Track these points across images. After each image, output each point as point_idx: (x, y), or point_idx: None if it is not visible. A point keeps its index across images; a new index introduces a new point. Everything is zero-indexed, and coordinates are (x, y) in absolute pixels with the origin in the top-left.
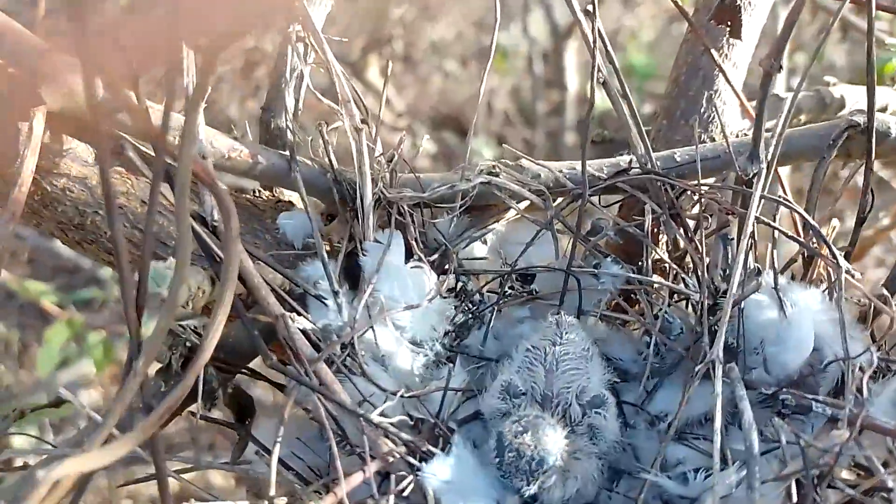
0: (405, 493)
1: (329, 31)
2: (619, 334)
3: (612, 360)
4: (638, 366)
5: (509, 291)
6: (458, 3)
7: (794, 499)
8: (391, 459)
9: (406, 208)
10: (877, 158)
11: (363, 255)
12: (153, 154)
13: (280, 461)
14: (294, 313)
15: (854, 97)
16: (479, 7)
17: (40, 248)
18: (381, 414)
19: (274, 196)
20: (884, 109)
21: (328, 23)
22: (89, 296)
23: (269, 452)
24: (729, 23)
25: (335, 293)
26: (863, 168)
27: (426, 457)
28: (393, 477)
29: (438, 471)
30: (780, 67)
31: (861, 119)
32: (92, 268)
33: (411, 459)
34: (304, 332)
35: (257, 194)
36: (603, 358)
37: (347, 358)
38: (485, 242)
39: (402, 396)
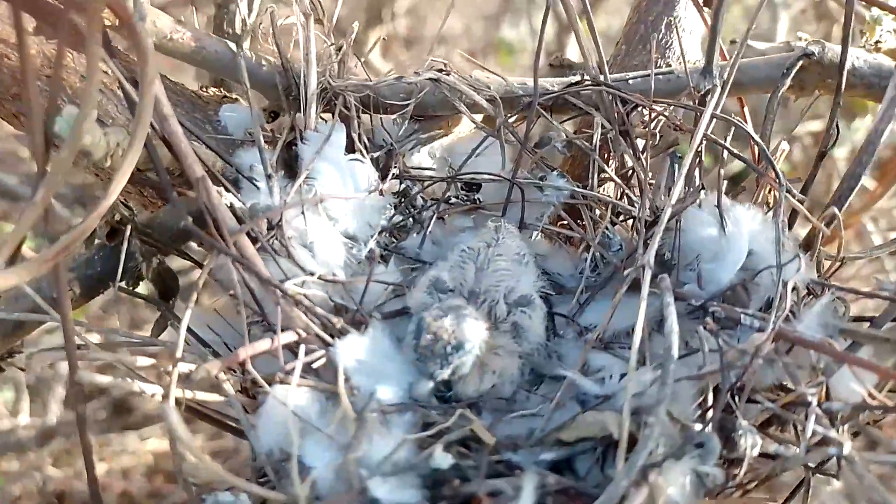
0: (315, 367)
1: (333, 10)
2: (559, 250)
3: (551, 274)
4: (575, 281)
5: (452, 199)
6: None
7: (711, 401)
8: (304, 333)
9: (352, 101)
10: (829, 92)
11: (302, 143)
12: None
13: (193, 333)
14: (222, 188)
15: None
16: (489, 2)
17: None
18: (299, 287)
19: (221, 93)
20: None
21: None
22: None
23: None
24: None
25: (268, 177)
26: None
27: (341, 336)
28: (302, 349)
29: (351, 349)
30: None
31: (816, 49)
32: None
33: (325, 336)
34: (230, 207)
35: (204, 90)
36: (542, 271)
37: (274, 239)
38: (432, 155)
39: (320, 278)
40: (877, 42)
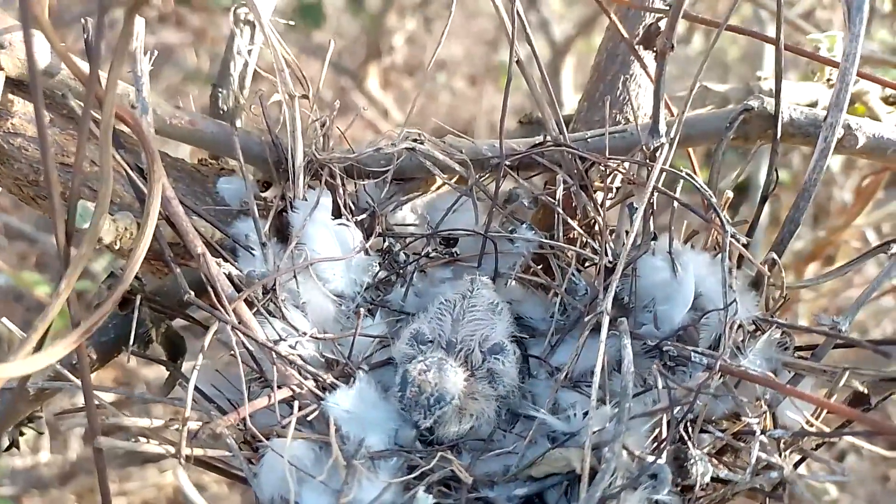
0: (310, 420)
1: (336, 42)
2: (532, 296)
3: (524, 318)
4: (546, 324)
5: (432, 253)
6: (469, 22)
7: (664, 434)
8: (298, 389)
9: (336, 170)
10: (770, 141)
11: (292, 211)
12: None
13: (200, 391)
14: (221, 259)
15: (785, 89)
16: (488, 27)
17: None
18: (292, 348)
19: (218, 164)
20: (814, 104)
21: (331, 34)
22: (82, 287)
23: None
24: (654, 48)
25: (262, 244)
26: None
27: (332, 389)
28: (297, 404)
29: (341, 401)
30: (673, 47)
31: (755, 103)
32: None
33: (317, 391)
34: (228, 276)
35: (203, 163)
36: (515, 316)
37: (269, 302)
38: (414, 211)
39: (312, 337)
40: (828, 80)
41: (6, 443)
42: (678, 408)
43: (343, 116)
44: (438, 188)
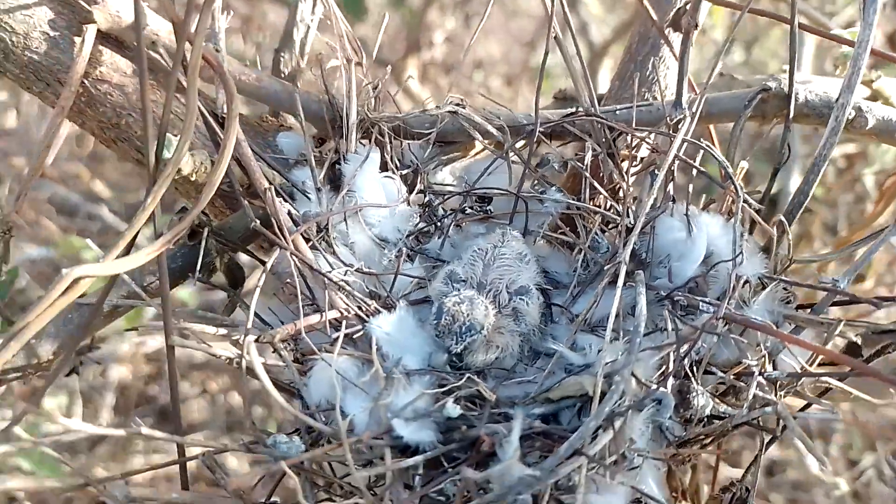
0: (355, 339)
1: (375, 34)
2: (557, 253)
3: (550, 273)
4: (569, 278)
5: (468, 210)
6: (508, 22)
7: (670, 368)
8: (345, 312)
9: (385, 129)
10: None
11: (345, 163)
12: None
13: (256, 315)
14: (281, 198)
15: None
16: (528, 27)
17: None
18: (342, 277)
19: (277, 122)
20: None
21: (373, 28)
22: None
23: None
24: (683, 30)
25: (317, 190)
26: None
27: (375, 315)
28: (344, 324)
29: (383, 325)
30: (697, 26)
31: (773, 84)
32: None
33: (362, 315)
34: (288, 213)
35: (265, 120)
36: (542, 270)
37: (322, 240)
38: (453, 174)
39: (359, 270)
40: None
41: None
42: (684, 345)
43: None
44: (476, 154)
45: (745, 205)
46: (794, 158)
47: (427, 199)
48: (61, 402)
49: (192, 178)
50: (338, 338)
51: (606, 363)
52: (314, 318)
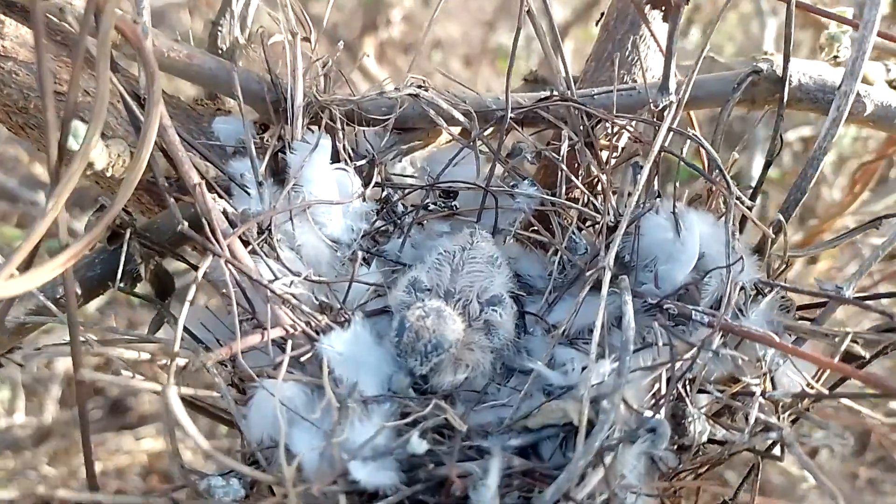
0: (302, 361)
1: (333, 16)
2: (530, 254)
3: (522, 276)
4: (544, 282)
5: (431, 205)
6: (467, 2)
7: (663, 391)
8: (291, 330)
9: (337, 114)
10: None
11: (290, 152)
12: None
13: (188, 331)
14: (215, 195)
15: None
16: (486, 7)
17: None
18: (287, 287)
19: (214, 105)
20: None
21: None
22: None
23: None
24: (663, 7)
25: (259, 184)
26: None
27: (326, 332)
28: (290, 344)
29: (335, 343)
30: (688, 1)
31: (764, 66)
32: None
33: (311, 332)
34: (223, 212)
35: (200, 103)
36: (514, 273)
37: (264, 243)
38: (413, 164)
39: (307, 279)
40: (834, 57)
41: None
42: (679, 363)
43: (346, 68)
44: (440, 142)
45: (738, 202)
46: (757, 142)
47: (385, 193)
48: (3, 396)
49: (108, 175)
50: (282, 361)
51: (592, 385)
52: (254, 338)
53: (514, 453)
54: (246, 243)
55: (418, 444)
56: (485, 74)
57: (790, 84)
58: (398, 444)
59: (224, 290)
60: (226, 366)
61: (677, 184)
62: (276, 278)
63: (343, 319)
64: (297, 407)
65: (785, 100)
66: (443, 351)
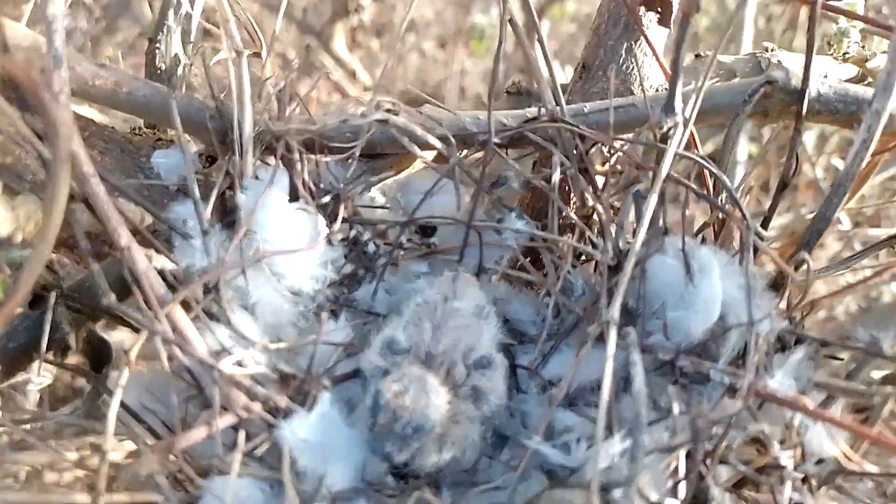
0: (258, 452)
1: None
2: (520, 294)
3: (511, 321)
4: (537, 327)
5: (406, 244)
6: None
7: (682, 473)
8: (245, 414)
9: (294, 144)
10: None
11: (240, 192)
12: None
13: (128, 411)
14: (153, 251)
15: (792, 63)
16: None
17: None
18: (239, 364)
19: (154, 134)
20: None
21: None
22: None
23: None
24: (659, 9)
25: (204, 232)
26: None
27: (287, 414)
28: (242, 433)
29: (297, 428)
30: (699, 7)
31: (779, 75)
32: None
33: (268, 416)
34: (161, 272)
35: (137, 132)
36: (501, 319)
37: (212, 304)
38: (385, 193)
39: (264, 347)
40: (844, 54)
41: None
42: (704, 443)
43: (306, 80)
44: (414, 167)
45: (758, 238)
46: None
47: (353, 232)
48: None
49: (19, 239)
50: (233, 455)
51: (600, 470)
52: (198, 432)
53: None
54: (189, 307)
55: None
56: (460, 55)
57: (808, 97)
58: None
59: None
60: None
61: (685, 220)
62: (225, 349)
63: (306, 392)
64: None
65: (804, 113)
66: (424, 433)
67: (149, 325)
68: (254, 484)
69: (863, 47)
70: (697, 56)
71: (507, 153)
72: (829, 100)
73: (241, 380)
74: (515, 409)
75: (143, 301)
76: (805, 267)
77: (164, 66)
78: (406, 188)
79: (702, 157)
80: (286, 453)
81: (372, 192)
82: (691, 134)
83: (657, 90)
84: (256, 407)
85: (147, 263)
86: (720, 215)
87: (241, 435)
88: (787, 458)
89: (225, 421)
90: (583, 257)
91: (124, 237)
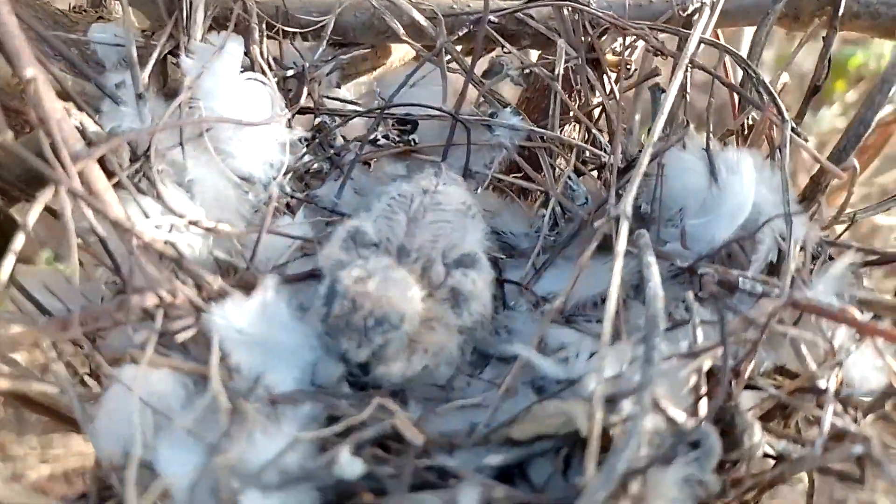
0: (181, 340)
1: None
2: (513, 205)
3: (502, 233)
4: (530, 241)
5: (381, 139)
6: None
7: (703, 389)
8: (167, 295)
9: (252, 6)
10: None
11: (186, 56)
12: None
13: (29, 296)
14: (71, 104)
15: None
16: None
17: None
18: (162, 231)
19: (96, 13)
20: None
21: None
22: None
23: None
24: None
25: (138, 96)
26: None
27: (220, 299)
28: (160, 314)
29: (231, 316)
30: None
31: None
32: None
33: (197, 300)
34: (80, 128)
35: (78, 10)
36: (491, 230)
37: (138, 175)
38: (357, 92)
39: (194, 224)
40: None
41: None
42: (732, 348)
43: None
44: (393, 62)
45: (794, 135)
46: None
47: (318, 121)
48: None
49: None
50: (148, 338)
51: (606, 378)
52: (103, 309)
53: (492, 477)
54: (109, 174)
55: (351, 465)
56: None
57: None
58: (320, 464)
59: (81, 237)
60: (81, 347)
61: (710, 117)
62: (151, 221)
63: (249, 285)
64: (169, 407)
65: (840, 12)
66: (390, 328)
67: (53, 176)
68: (173, 377)
69: None
70: None
71: (503, 42)
72: (868, 1)
73: (163, 249)
74: (502, 327)
75: (48, 150)
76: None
77: None
78: (384, 81)
79: (729, 48)
80: (215, 343)
81: (342, 90)
82: (715, 33)
83: None
84: (184, 287)
85: (61, 109)
86: (749, 117)
87: (159, 315)
88: (826, 380)
89: (141, 300)
90: (588, 165)
91: (30, 70)
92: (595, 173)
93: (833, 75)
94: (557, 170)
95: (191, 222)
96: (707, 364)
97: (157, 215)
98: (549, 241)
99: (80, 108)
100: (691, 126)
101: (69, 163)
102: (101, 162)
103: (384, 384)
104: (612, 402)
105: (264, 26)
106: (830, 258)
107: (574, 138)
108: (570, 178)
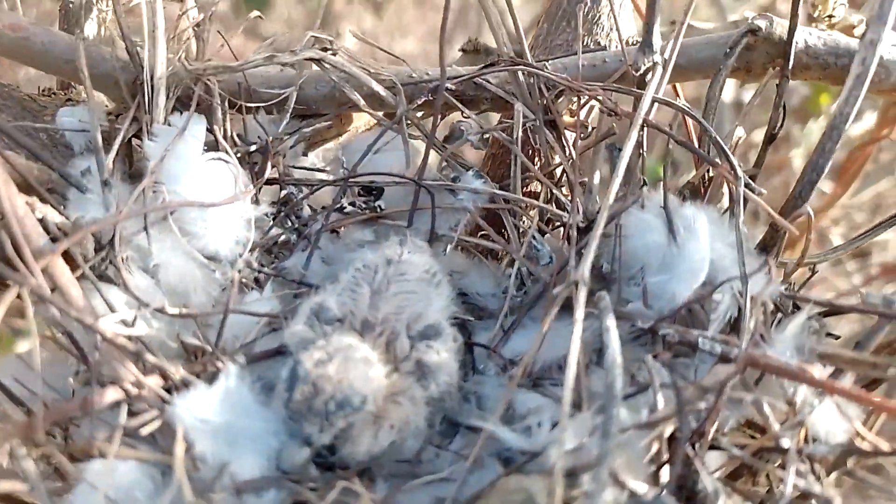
0: (146, 432)
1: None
2: (479, 266)
3: (468, 294)
4: (497, 302)
5: (347, 207)
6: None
7: (665, 456)
8: (132, 388)
9: (214, 86)
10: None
11: (149, 139)
12: None
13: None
14: (34, 198)
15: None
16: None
17: None
18: (124, 324)
19: (65, 95)
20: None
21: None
22: None
23: None
24: None
25: (104, 183)
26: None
27: (183, 389)
28: (124, 408)
29: (196, 406)
30: None
31: (762, 23)
32: None
33: (160, 390)
34: (43, 222)
35: (47, 93)
36: (457, 293)
37: (104, 264)
38: (324, 159)
39: (158, 311)
40: (829, 17)
41: None
42: (690, 415)
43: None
44: (356, 128)
45: (749, 192)
46: (722, 110)
47: (285, 193)
48: None
49: None
50: (113, 433)
51: (567, 451)
52: (71, 405)
53: None
54: (73, 266)
55: None
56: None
57: (795, 46)
58: None
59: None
60: (54, 437)
61: (667, 173)
62: (113, 312)
63: (217, 369)
64: (136, 500)
65: (791, 64)
66: (352, 410)
67: (12, 277)
68: (140, 469)
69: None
70: (672, 23)
71: (462, 107)
72: (818, 52)
73: (127, 344)
74: (471, 393)
75: (11, 248)
76: (810, 223)
77: (72, 5)
78: (349, 148)
79: (684, 106)
80: (179, 435)
81: (310, 157)
82: (673, 86)
83: (628, 42)
84: (148, 378)
85: (23, 205)
86: (706, 171)
87: (123, 409)
88: (789, 440)
89: (107, 395)
90: (550, 224)
91: None
92: (561, 230)
93: (816, 91)
94: (522, 228)
95: (156, 310)
96: (669, 429)
97: (122, 305)
98: (517, 302)
99: (43, 201)
100: (646, 185)
101: (31, 261)
102: (66, 253)
103: (351, 463)
104: (572, 476)
105: (227, 105)
106: (796, 308)
107: (538, 195)
108: (534, 237)
